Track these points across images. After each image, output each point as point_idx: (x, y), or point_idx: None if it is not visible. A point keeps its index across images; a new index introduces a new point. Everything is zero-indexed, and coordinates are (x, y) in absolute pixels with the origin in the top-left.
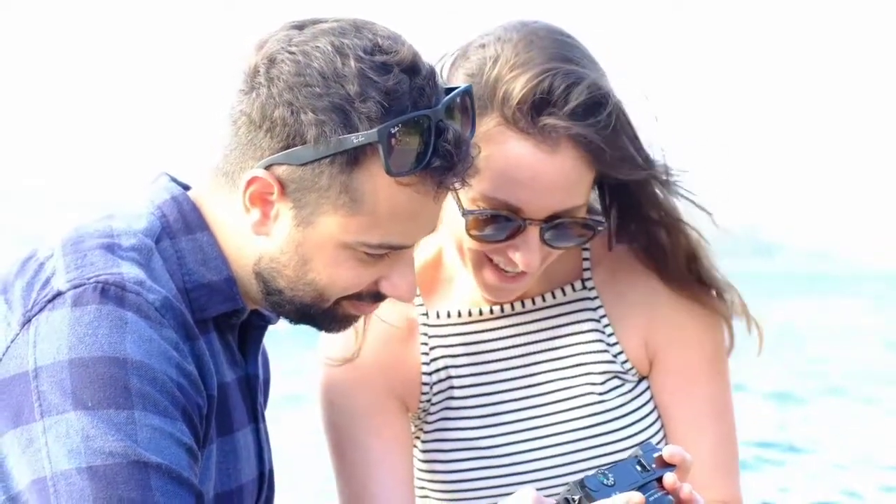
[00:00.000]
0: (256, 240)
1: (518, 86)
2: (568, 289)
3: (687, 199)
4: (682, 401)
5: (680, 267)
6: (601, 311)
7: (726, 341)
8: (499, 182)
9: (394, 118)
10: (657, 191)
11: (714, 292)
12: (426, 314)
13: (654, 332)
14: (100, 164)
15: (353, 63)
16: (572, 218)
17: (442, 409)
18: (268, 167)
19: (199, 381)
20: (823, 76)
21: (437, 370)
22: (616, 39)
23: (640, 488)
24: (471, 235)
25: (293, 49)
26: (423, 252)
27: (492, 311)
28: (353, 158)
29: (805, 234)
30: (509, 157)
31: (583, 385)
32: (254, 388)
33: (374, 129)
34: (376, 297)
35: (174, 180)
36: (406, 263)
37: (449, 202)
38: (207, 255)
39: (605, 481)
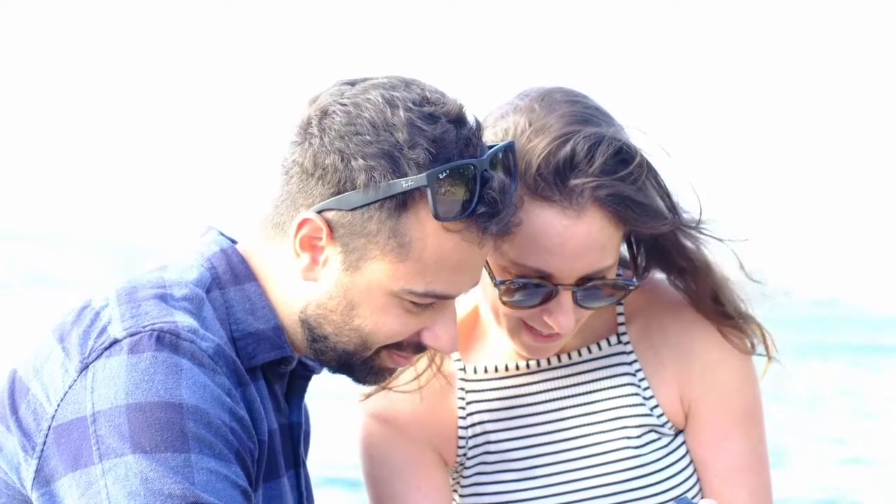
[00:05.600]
0: (304, 287)
1: (537, 153)
2: (603, 343)
3: (715, 238)
4: (718, 454)
5: (707, 306)
6: (636, 366)
7: (760, 394)
8: (528, 249)
9: (441, 164)
10: (683, 240)
11: (740, 324)
12: (463, 369)
13: (688, 386)
14: (97, 164)
15: (402, 113)
16: (603, 279)
17: (478, 464)
18: (319, 212)
19: (250, 426)
20: (825, 84)
21: (473, 424)
22: (616, 39)
23: None
24: (504, 303)
25: (345, 101)
26: (460, 308)
27: (528, 366)
28: (402, 203)
29: (812, 280)
30: (536, 225)
31: (619, 439)
32: (296, 436)
33: (423, 174)
34: (417, 347)
35: (223, 234)
36: (449, 315)
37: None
38: (255, 304)
39: None
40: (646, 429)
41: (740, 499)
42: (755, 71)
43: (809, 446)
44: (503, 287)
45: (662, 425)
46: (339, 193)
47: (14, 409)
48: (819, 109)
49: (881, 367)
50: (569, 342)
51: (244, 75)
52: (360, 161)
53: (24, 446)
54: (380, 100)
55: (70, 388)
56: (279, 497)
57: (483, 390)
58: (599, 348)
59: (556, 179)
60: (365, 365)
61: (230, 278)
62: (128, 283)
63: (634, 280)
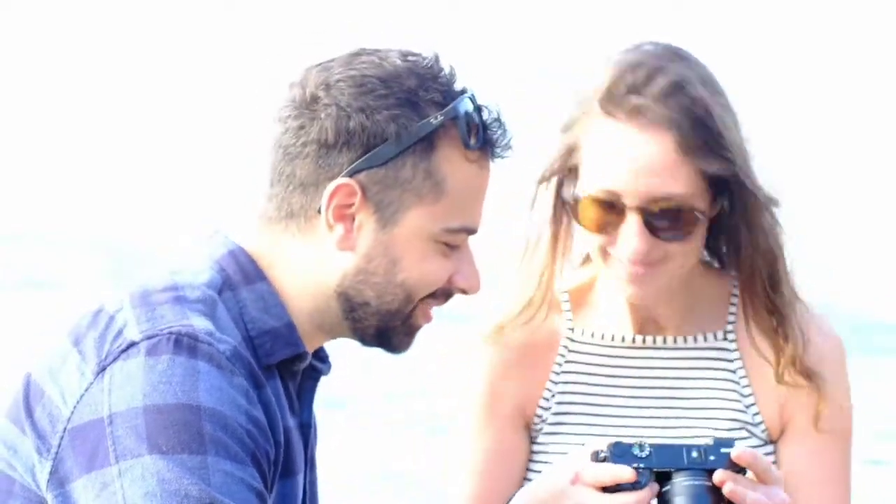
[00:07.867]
0: (337, 260)
1: (609, 73)
2: (709, 336)
3: (784, 229)
4: (815, 465)
5: (756, 293)
6: (738, 364)
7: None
8: (597, 168)
9: (453, 99)
10: (762, 216)
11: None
12: (572, 329)
13: (791, 398)
14: (91, 163)
15: (399, 63)
16: (670, 204)
17: (557, 424)
18: (351, 176)
19: (267, 428)
20: (827, 88)
21: (564, 382)
22: (616, 39)
23: (680, 472)
24: (581, 225)
25: (340, 71)
26: (578, 275)
27: (633, 340)
28: (430, 144)
29: (807, 286)
30: (602, 141)
31: (705, 429)
32: (306, 437)
33: (451, 106)
34: (447, 294)
35: (229, 237)
36: (471, 255)
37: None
38: (268, 302)
39: (637, 452)
40: (738, 424)
41: None
42: (754, 73)
43: None
44: (578, 208)
45: (756, 425)
46: (369, 151)
47: (29, 413)
48: (818, 112)
49: (882, 371)
50: (677, 327)
51: (242, 74)
52: (385, 112)
53: (39, 448)
54: (374, 59)
55: (87, 390)
56: (293, 496)
57: (585, 353)
58: (705, 339)
59: (621, 98)
60: (404, 325)
61: (241, 279)
62: (140, 287)
63: (705, 210)
